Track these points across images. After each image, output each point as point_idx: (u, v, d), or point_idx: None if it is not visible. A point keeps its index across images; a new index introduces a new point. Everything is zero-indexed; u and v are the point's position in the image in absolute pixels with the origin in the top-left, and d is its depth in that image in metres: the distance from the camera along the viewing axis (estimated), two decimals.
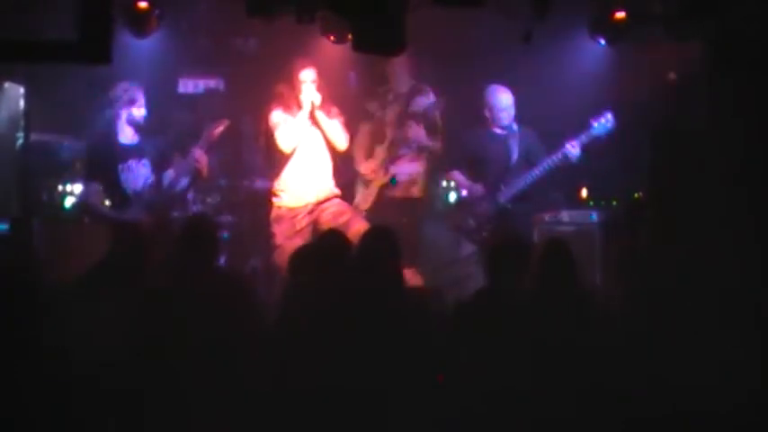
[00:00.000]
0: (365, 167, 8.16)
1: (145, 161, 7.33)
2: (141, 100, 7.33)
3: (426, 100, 8.18)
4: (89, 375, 4.82)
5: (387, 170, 8.12)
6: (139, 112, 7.32)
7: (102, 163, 7.33)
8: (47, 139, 9.02)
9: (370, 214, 8.01)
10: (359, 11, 6.79)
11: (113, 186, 7.31)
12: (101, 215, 7.41)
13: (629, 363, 4.97)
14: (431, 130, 8.15)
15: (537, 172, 7.60)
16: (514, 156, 7.70)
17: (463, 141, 7.93)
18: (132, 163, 7.30)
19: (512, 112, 7.69)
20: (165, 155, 7.41)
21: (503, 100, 7.69)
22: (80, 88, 8.31)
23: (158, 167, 7.36)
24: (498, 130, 7.73)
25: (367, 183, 8.17)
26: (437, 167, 8.34)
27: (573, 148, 7.50)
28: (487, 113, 7.72)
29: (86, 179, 7.54)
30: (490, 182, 7.71)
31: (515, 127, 7.73)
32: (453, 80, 8.42)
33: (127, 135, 7.36)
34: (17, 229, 5.70)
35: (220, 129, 7.36)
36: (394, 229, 5.71)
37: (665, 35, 8.08)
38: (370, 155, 8.15)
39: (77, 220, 8.56)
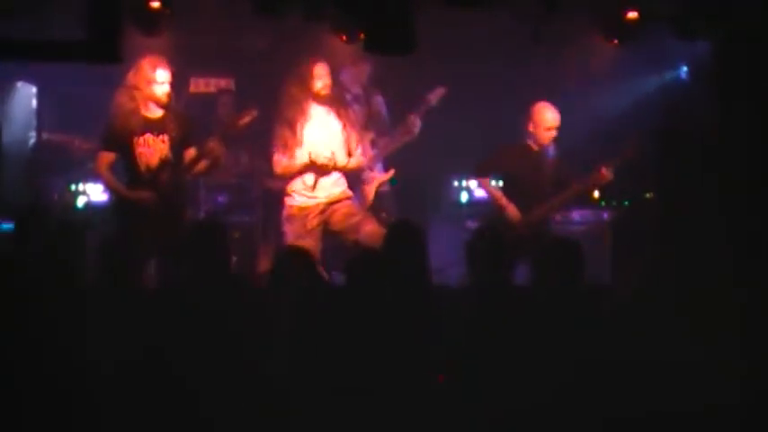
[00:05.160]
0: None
1: (164, 137, 7.21)
2: (165, 77, 7.23)
3: (380, 100, 8.23)
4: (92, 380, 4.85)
5: (371, 169, 8.13)
6: (162, 89, 7.20)
7: (120, 133, 7.19)
8: (59, 139, 9.05)
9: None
10: (369, 10, 6.79)
11: (127, 159, 7.21)
12: (106, 182, 7.40)
13: (638, 361, 4.96)
14: (383, 129, 8.17)
15: (568, 195, 7.68)
16: (548, 174, 7.66)
17: (500, 154, 7.81)
18: (150, 137, 7.21)
19: (555, 132, 7.61)
20: (187, 134, 7.30)
21: (551, 119, 7.58)
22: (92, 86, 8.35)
23: (178, 146, 7.25)
24: (535, 147, 7.65)
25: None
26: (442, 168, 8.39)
27: (607, 174, 7.52)
28: (531, 129, 7.61)
29: (101, 148, 7.34)
30: (524, 197, 7.65)
31: (552, 145, 7.68)
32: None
33: (150, 110, 7.23)
34: (24, 228, 5.69)
35: (247, 119, 7.33)
36: (419, 225, 5.73)
37: (676, 34, 8.08)
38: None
39: (89, 219, 8.59)
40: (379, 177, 8.16)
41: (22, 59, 7.08)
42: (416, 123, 7.99)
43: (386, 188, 8.26)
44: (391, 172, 8.17)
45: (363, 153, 7.74)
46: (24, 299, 4.98)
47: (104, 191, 8.60)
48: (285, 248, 6.00)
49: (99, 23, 5.52)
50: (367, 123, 8.14)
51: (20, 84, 8.82)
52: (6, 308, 4.93)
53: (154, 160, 7.18)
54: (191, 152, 7.26)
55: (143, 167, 7.17)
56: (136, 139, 7.16)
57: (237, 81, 9.20)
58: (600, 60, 8.67)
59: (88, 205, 8.85)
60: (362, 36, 7.68)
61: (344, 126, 7.51)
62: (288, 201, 7.56)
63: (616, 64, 8.72)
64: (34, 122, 8.95)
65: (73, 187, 8.85)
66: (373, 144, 8.17)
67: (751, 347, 5.06)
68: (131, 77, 7.20)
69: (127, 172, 7.25)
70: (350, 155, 7.53)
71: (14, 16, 6.92)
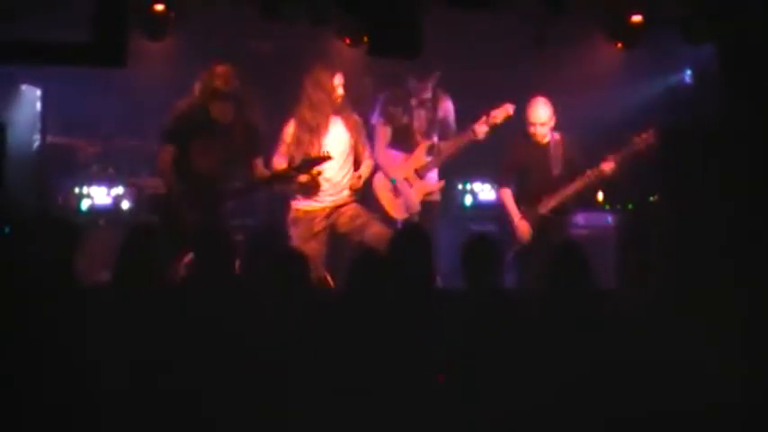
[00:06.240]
0: (401, 173, 8.04)
1: (225, 143, 7.22)
2: (229, 73, 7.25)
3: (449, 106, 8.15)
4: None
5: (422, 177, 8.04)
6: (221, 81, 7.21)
7: (181, 129, 7.21)
8: (64, 142, 9.06)
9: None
10: (373, 13, 6.79)
11: (182, 159, 7.20)
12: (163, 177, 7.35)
13: (640, 362, 4.97)
14: (449, 136, 8.10)
15: (575, 186, 7.70)
16: (556, 166, 7.72)
17: (509, 153, 7.89)
18: (212, 141, 7.20)
19: (547, 127, 7.67)
20: (251, 142, 7.33)
21: (538, 115, 7.65)
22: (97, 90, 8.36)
23: (239, 155, 7.30)
24: (540, 141, 7.73)
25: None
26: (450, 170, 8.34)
27: (608, 167, 7.61)
28: (528, 126, 7.70)
29: (163, 141, 7.30)
30: (532, 192, 7.75)
31: (557, 136, 7.73)
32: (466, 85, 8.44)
33: (216, 109, 7.26)
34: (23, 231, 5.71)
35: None
36: (426, 228, 5.74)
37: (680, 38, 8.10)
38: (403, 160, 8.06)
39: (93, 223, 8.59)
40: (429, 186, 8.11)
41: (26, 62, 7.06)
42: (482, 130, 7.92)
43: (436, 197, 8.14)
44: (441, 183, 8.13)
45: (370, 157, 7.74)
46: (25, 299, 4.99)
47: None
48: (281, 251, 5.99)
49: (105, 27, 5.52)
50: (430, 129, 8.06)
51: (24, 87, 8.81)
52: (6, 308, 4.94)
53: (207, 165, 7.21)
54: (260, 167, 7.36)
55: (194, 173, 7.20)
56: (195, 142, 7.19)
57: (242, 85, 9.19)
58: (604, 63, 8.69)
59: (92, 208, 8.85)
60: (366, 39, 7.71)
61: (351, 135, 7.53)
62: (294, 204, 7.55)
63: (620, 67, 8.74)
64: (39, 125, 8.94)
65: (77, 190, 8.85)
66: (430, 150, 8.08)
67: (752, 347, 5.07)
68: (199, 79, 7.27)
69: (180, 170, 7.26)
70: (356, 162, 7.58)
71: (16, 18, 6.91)
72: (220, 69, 7.22)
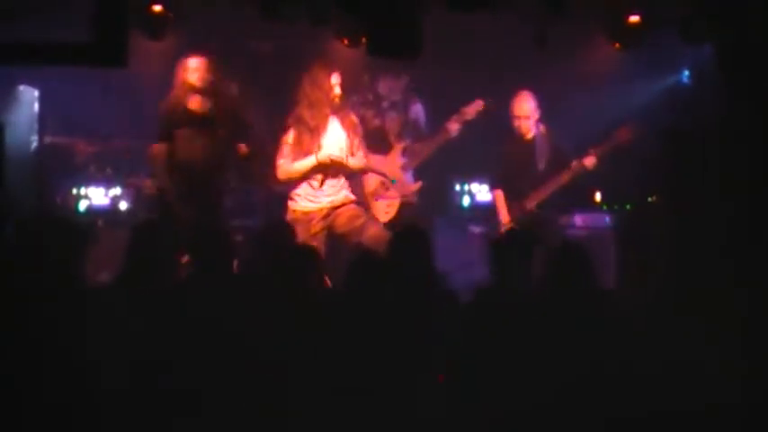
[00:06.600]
0: (376, 179, 8.07)
1: (209, 132, 7.23)
2: (202, 66, 7.27)
3: (419, 108, 8.20)
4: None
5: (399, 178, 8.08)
6: (195, 76, 7.23)
7: (166, 125, 7.23)
8: (61, 142, 9.05)
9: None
10: (373, 13, 6.81)
11: (170, 156, 7.24)
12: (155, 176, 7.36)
13: (641, 362, 4.98)
14: (421, 137, 8.14)
15: (561, 180, 7.79)
16: (541, 161, 7.84)
17: (496, 153, 8.09)
18: (193, 133, 7.21)
19: (531, 120, 7.82)
20: (238, 129, 7.35)
21: (522, 108, 7.81)
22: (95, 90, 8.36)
23: (224, 143, 7.30)
24: (525, 136, 7.86)
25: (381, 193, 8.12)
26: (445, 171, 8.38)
27: (590, 162, 7.72)
28: (512, 120, 7.85)
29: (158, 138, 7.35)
30: (519, 187, 7.87)
31: (542, 128, 7.84)
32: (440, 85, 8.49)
33: (195, 102, 7.27)
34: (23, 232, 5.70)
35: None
36: (425, 229, 5.75)
37: (680, 38, 8.12)
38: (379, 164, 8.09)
39: (91, 223, 8.58)
40: (407, 186, 8.11)
41: (25, 63, 7.06)
42: (455, 128, 7.96)
43: (413, 199, 8.17)
44: (419, 184, 8.14)
45: (365, 156, 7.75)
46: (24, 299, 4.99)
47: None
48: (291, 247, 5.99)
49: (105, 27, 5.52)
50: (402, 131, 8.10)
51: (22, 87, 8.81)
52: (6, 308, 4.94)
53: (196, 156, 7.18)
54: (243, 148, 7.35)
55: (183, 165, 7.17)
56: (179, 132, 7.20)
57: (240, 85, 9.20)
58: (603, 63, 8.72)
59: (89, 209, 8.84)
60: (365, 40, 7.71)
61: (348, 134, 7.54)
62: (291, 205, 7.54)
63: (620, 67, 8.77)
64: (36, 126, 8.94)
65: (75, 191, 8.85)
66: (405, 152, 8.10)
67: (752, 347, 5.07)
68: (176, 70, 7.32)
69: (169, 166, 7.27)
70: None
71: (16, 18, 6.91)
72: (190, 63, 7.27)
